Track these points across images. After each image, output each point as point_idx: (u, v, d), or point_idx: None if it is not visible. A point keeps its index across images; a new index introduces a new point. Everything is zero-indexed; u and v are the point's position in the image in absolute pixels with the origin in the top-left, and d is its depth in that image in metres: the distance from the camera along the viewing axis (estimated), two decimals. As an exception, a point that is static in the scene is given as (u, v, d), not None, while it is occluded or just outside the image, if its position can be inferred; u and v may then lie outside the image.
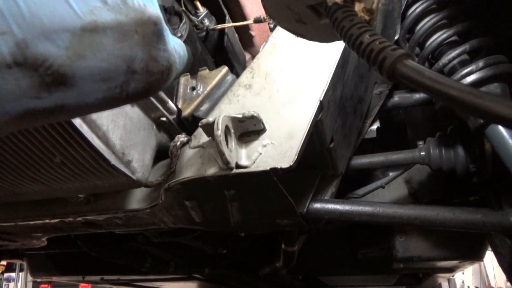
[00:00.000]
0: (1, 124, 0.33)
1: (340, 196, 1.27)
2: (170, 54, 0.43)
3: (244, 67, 1.22)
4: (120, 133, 0.84)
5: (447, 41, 1.09)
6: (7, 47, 0.31)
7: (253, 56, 1.30)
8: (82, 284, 4.44)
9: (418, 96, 1.40)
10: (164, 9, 1.06)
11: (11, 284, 8.84)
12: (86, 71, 0.35)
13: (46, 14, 0.32)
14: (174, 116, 0.94)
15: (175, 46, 0.45)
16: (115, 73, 0.37)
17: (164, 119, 0.97)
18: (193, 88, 1.03)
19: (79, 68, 0.34)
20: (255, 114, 0.79)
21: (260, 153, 0.81)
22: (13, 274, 8.75)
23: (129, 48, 0.37)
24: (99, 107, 0.39)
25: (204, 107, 1.00)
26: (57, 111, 0.35)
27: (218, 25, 1.09)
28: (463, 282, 6.70)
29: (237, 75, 1.04)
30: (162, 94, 0.88)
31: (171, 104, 0.94)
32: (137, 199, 1.00)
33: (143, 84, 0.40)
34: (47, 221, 1.10)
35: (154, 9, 0.40)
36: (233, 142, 0.80)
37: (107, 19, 0.35)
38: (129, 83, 0.38)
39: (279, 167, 0.76)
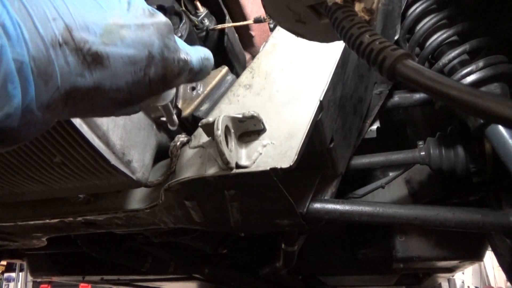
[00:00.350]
0: (50, 102, 0.40)
1: (340, 196, 1.27)
2: (179, 47, 0.52)
3: (244, 67, 1.22)
4: (120, 133, 0.84)
5: (447, 41, 1.09)
6: (57, 29, 0.39)
7: (253, 56, 1.30)
8: (82, 284, 4.44)
9: (418, 96, 1.40)
10: (164, 9, 1.06)
11: (11, 284, 8.83)
12: (117, 54, 0.43)
13: (85, 11, 0.42)
14: (175, 128, 0.95)
15: (187, 48, 0.55)
16: (139, 57, 0.46)
17: (164, 119, 0.97)
18: (193, 88, 1.02)
19: (111, 52, 0.43)
20: (255, 114, 0.79)
21: (260, 153, 0.81)
22: (13, 274, 8.75)
23: (148, 36, 0.47)
24: (128, 94, 0.46)
25: (204, 107, 1.00)
26: (95, 92, 0.43)
27: (218, 25, 1.09)
28: (463, 282, 6.70)
29: (237, 75, 1.04)
30: (169, 106, 0.89)
31: (175, 117, 0.95)
32: (137, 199, 1.00)
33: (161, 69, 0.49)
34: (47, 221, 1.10)
35: (162, 15, 0.51)
36: (233, 142, 0.80)
37: (129, 17, 0.46)
38: (150, 67, 0.47)
39: (279, 167, 0.76)
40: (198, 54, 0.57)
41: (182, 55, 0.52)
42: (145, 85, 0.47)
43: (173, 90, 0.67)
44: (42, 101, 0.39)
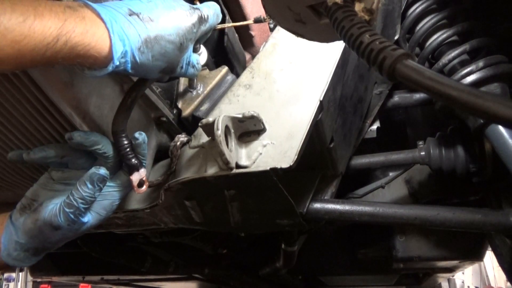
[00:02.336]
0: (139, 45, 0.68)
1: (340, 196, 1.27)
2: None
3: (244, 67, 1.22)
4: (120, 133, 0.84)
5: (447, 41, 1.09)
6: (127, 9, 0.68)
7: (253, 56, 1.30)
8: (82, 284, 4.44)
9: (418, 96, 1.40)
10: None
11: (11, 284, 8.83)
12: (158, 13, 0.72)
13: None
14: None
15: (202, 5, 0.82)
16: (176, 13, 0.74)
17: (164, 119, 0.97)
18: (193, 88, 1.02)
19: (154, 13, 0.72)
20: (255, 114, 0.79)
21: (260, 153, 0.81)
22: (13, 274, 8.75)
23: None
24: (177, 36, 0.73)
25: (204, 107, 1.00)
26: (159, 37, 0.70)
27: (218, 25, 1.09)
28: (463, 282, 6.69)
29: (237, 75, 1.04)
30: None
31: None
32: (137, 199, 1.00)
33: (191, 18, 0.76)
34: (47, 221, 1.10)
35: None
36: (233, 142, 0.80)
37: None
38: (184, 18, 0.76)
39: (279, 167, 0.76)
40: (210, 9, 0.82)
41: (201, 11, 0.79)
42: (184, 30, 0.74)
43: (205, 56, 0.92)
44: (136, 45, 0.67)
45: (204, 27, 0.79)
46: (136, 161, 0.79)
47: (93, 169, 0.75)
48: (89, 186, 0.74)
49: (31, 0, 0.57)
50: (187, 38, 0.75)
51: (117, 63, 0.65)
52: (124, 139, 0.78)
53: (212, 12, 0.81)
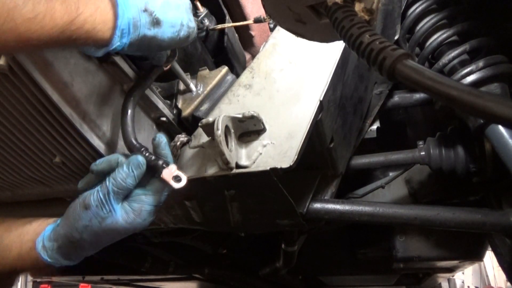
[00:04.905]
0: (135, 40, 0.73)
1: (340, 196, 1.27)
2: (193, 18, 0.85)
3: (244, 67, 1.22)
4: (121, 133, 0.84)
5: (447, 41, 1.09)
6: (142, 2, 0.73)
7: (253, 56, 1.30)
8: (82, 284, 4.43)
9: (418, 96, 1.40)
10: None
11: (11, 284, 8.82)
12: (166, 20, 0.76)
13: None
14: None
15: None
16: (176, 24, 0.78)
17: (164, 119, 0.97)
18: (193, 88, 1.02)
19: (164, 18, 0.76)
20: (255, 114, 0.79)
21: (260, 153, 0.81)
22: (13, 274, 8.73)
23: (181, 12, 0.80)
24: (168, 45, 0.79)
25: (204, 107, 1.00)
26: (154, 39, 0.75)
27: (218, 25, 1.09)
28: (463, 282, 6.68)
29: (237, 75, 1.04)
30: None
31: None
32: (137, 199, 1.00)
33: (186, 32, 0.80)
34: (47, 221, 1.10)
35: None
36: (233, 142, 0.80)
37: None
38: (181, 30, 0.80)
39: (279, 167, 0.76)
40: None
41: (194, 23, 0.84)
42: (177, 41, 0.79)
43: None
44: (132, 40, 0.72)
45: (187, 43, 0.85)
46: (160, 161, 0.78)
47: (132, 156, 0.78)
48: (125, 169, 0.76)
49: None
50: (173, 47, 0.84)
51: (107, 52, 0.72)
52: (138, 145, 0.79)
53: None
